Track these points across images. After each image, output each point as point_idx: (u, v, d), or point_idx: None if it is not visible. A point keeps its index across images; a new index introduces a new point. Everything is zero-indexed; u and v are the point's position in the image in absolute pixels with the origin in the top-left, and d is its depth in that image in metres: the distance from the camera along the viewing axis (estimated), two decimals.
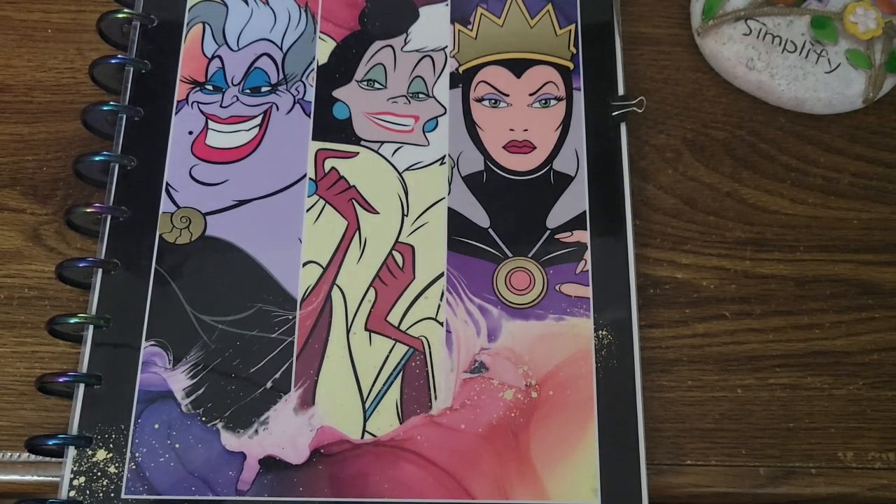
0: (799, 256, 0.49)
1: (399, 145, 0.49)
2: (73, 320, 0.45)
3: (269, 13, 0.52)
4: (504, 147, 0.49)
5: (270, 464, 0.43)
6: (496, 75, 0.51)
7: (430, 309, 0.46)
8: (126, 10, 0.51)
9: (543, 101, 0.50)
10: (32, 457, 0.44)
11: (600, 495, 0.43)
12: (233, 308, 0.46)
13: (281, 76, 0.50)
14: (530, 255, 0.47)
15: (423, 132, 0.49)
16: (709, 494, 0.45)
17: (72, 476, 0.43)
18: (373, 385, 0.45)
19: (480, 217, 0.48)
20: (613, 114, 0.50)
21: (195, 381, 0.44)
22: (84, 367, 0.44)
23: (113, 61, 0.49)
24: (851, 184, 0.51)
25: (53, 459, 0.44)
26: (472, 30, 0.52)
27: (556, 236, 0.47)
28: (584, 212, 0.48)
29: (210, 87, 0.50)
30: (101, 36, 0.50)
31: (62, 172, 0.50)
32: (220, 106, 0.50)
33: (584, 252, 0.47)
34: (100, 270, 0.46)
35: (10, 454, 0.45)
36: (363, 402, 0.44)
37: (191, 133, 0.49)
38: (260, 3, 0.52)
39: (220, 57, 0.51)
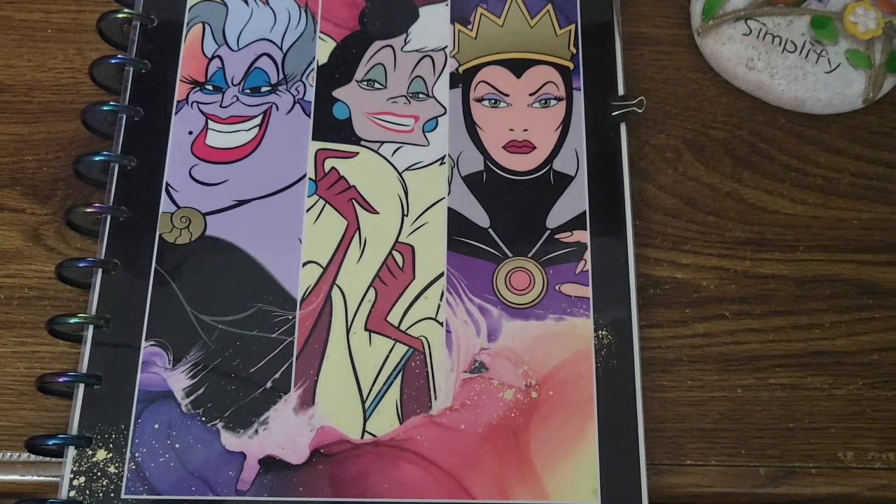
0: (799, 256, 0.49)
1: (399, 145, 0.49)
2: (73, 320, 0.45)
3: (269, 13, 0.52)
4: (504, 147, 0.49)
5: (270, 464, 0.43)
6: (496, 75, 0.51)
7: (429, 309, 0.46)
8: (126, 10, 0.51)
9: (543, 101, 0.50)
10: (32, 457, 0.44)
11: (600, 495, 0.43)
12: (233, 308, 0.46)
13: (281, 76, 0.50)
14: (530, 255, 0.47)
15: (423, 132, 0.49)
16: (709, 494, 0.45)
17: (72, 476, 0.43)
18: (373, 385, 0.45)
19: (480, 217, 0.48)
20: (613, 114, 0.50)
21: (195, 381, 0.44)
22: (84, 367, 0.44)
23: (113, 61, 0.49)
24: (851, 184, 0.51)
25: (53, 459, 0.44)
26: (472, 30, 0.52)
27: (556, 236, 0.47)
28: (584, 212, 0.48)
29: (210, 87, 0.50)
30: (101, 36, 0.50)
31: (62, 172, 0.50)
32: (220, 106, 0.50)
33: (584, 252, 0.47)
34: (100, 270, 0.46)
35: (10, 454, 0.45)
36: (363, 402, 0.44)
37: (191, 133, 0.49)
38: (260, 3, 0.52)
39: (220, 57, 0.51)
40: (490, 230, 0.47)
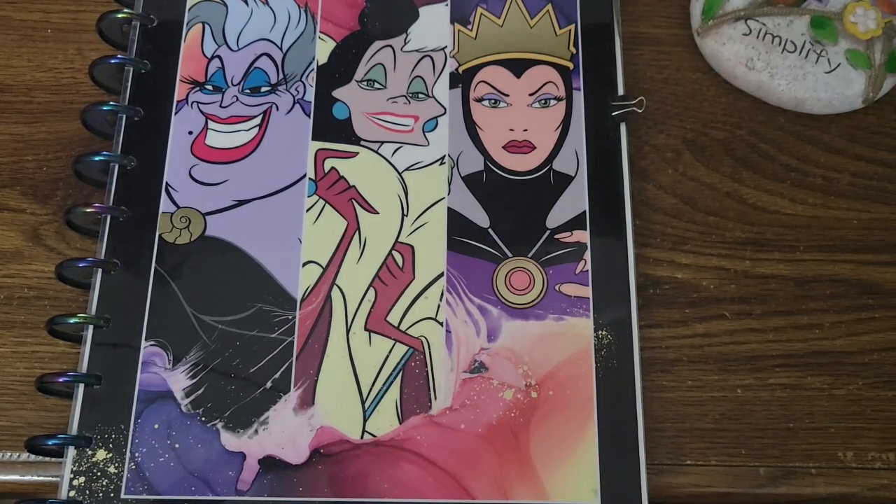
0: (799, 256, 0.49)
1: (399, 145, 0.49)
2: (72, 320, 0.45)
3: (268, 13, 0.52)
4: (504, 147, 0.49)
5: (270, 464, 0.43)
6: (496, 75, 0.51)
7: (429, 309, 0.46)
8: (126, 10, 0.51)
9: (543, 101, 0.50)
10: (32, 457, 0.44)
11: (600, 495, 0.43)
12: (233, 308, 0.46)
13: (281, 76, 0.50)
14: (530, 255, 0.47)
15: (423, 132, 0.49)
16: (709, 494, 0.45)
17: (72, 476, 0.43)
18: (372, 385, 0.45)
19: (480, 217, 0.48)
20: (613, 114, 0.50)
21: (195, 381, 0.44)
22: (84, 367, 0.44)
23: (113, 61, 0.49)
24: (851, 184, 0.51)
25: (53, 459, 0.44)
26: (471, 30, 0.52)
27: (556, 236, 0.47)
28: (584, 212, 0.48)
29: (210, 87, 0.50)
30: (101, 36, 0.50)
31: (62, 172, 0.50)
32: (220, 106, 0.50)
33: (584, 252, 0.47)
34: (100, 270, 0.46)
35: (10, 454, 0.45)
36: (363, 402, 0.44)
37: (190, 133, 0.49)
38: (260, 3, 0.52)
39: (219, 57, 0.51)
40: (490, 230, 0.47)
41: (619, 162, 0.49)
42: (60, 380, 0.44)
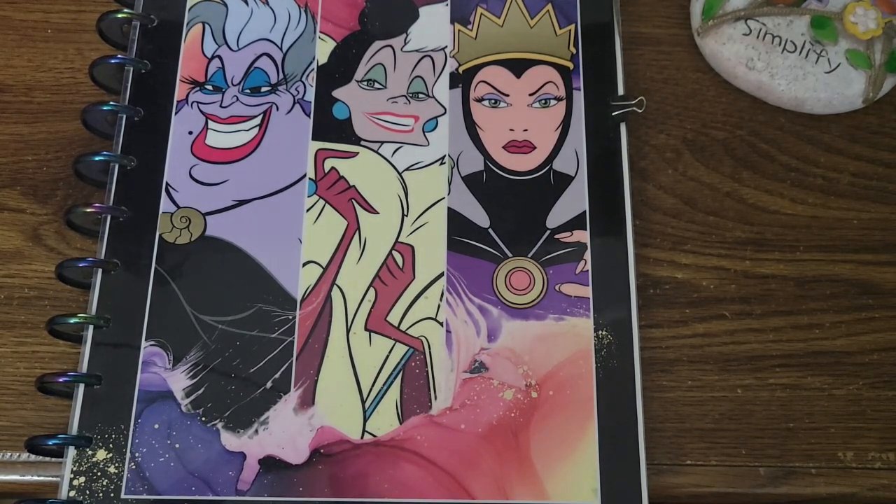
0: (799, 256, 0.49)
1: (399, 145, 0.49)
2: (73, 320, 0.45)
3: (268, 13, 0.52)
4: (504, 147, 0.49)
5: (270, 464, 0.43)
6: (496, 75, 0.51)
7: (429, 309, 0.46)
8: (126, 10, 0.51)
9: (543, 101, 0.50)
10: (32, 457, 0.44)
11: (600, 495, 0.43)
12: (233, 308, 0.46)
13: (281, 76, 0.50)
14: (530, 255, 0.47)
15: (423, 132, 0.49)
16: (709, 494, 0.45)
17: (72, 476, 0.43)
18: (373, 385, 0.45)
19: (480, 217, 0.48)
20: (613, 114, 0.50)
21: (195, 381, 0.44)
22: (84, 367, 0.44)
23: (113, 61, 0.49)
24: (851, 184, 0.51)
25: (53, 459, 0.44)
26: (471, 30, 0.52)
27: (556, 236, 0.47)
28: (584, 212, 0.48)
29: (210, 87, 0.50)
30: (101, 36, 0.50)
31: (62, 172, 0.50)
32: (220, 106, 0.50)
33: (584, 252, 0.47)
34: (100, 270, 0.46)
35: (10, 454, 0.45)
36: (363, 402, 0.44)
37: (191, 133, 0.49)
38: (260, 3, 0.52)
39: (219, 57, 0.51)
40: (490, 230, 0.47)
41: (619, 162, 0.49)
42: (60, 380, 0.44)
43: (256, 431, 0.44)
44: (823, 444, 0.46)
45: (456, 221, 0.48)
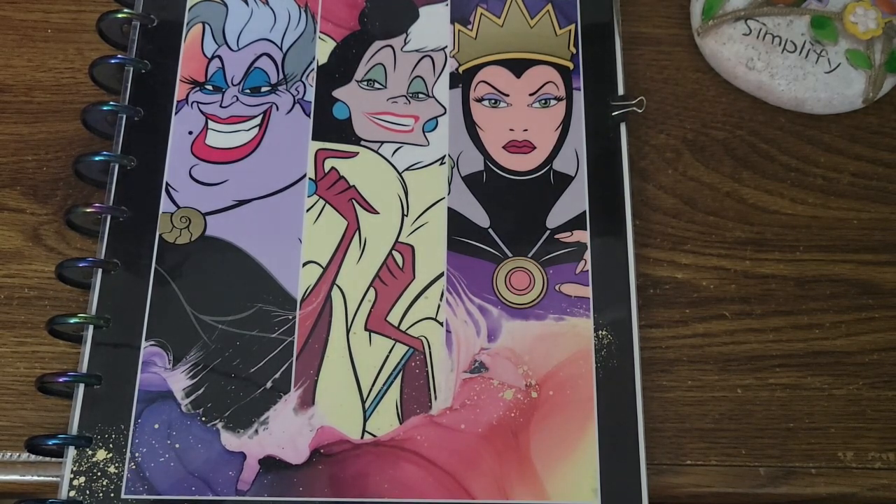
0: (799, 256, 0.49)
1: (399, 145, 0.49)
2: (73, 320, 0.45)
3: (268, 13, 0.52)
4: (504, 147, 0.49)
5: (270, 464, 0.43)
6: (496, 75, 0.51)
7: (429, 309, 0.46)
8: (126, 10, 0.51)
9: (543, 101, 0.50)
10: (32, 457, 0.44)
11: (600, 495, 0.43)
12: (233, 308, 0.46)
13: (281, 76, 0.50)
14: (530, 255, 0.47)
15: (423, 132, 0.49)
16: (709, 494, 0.45)
17: (72, 476, 0.43)
18: (373, 385, 0.45)
19: (480, 217, 0.48)
20: (613, 114, 0.50)
21: (195, 381, 0.44)
22: (84, 367, 0.44)
23: (113, 61, 0.49)
24: (851, 184, 0.51)
25: (53, 459, 0.44)
26: (471, 30, 0.52)
27: (556, 236, 0.47)
28: (584, 212, 0.48)
29: (210, 87, 0.50)
30: (101, 36, 0.50)
31: (62, 172, 0.50)
32: (220, 106, 0.50)
33: (584, 252, 0.47)
34: (100, 270, 0.46)
35: (10, 454, 0.45)
36: (363, 402, 0.44)
37: (191, 133, 0.49)
38: (260, 3, 0.52)
39: (219, 57, 0.51)
40: (490, 230, 0.47)
41: (619, 162, 0.49)
42: (60, 380, 0.44)
43: (256, 431, 0.44)
44: (823, 444, 0.46)
45: (456, 221, 0.48)
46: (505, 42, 0.51)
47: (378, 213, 0.48)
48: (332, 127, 0.49)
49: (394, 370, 0.45)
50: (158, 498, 0.42)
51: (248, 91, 0.50)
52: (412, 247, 0.47)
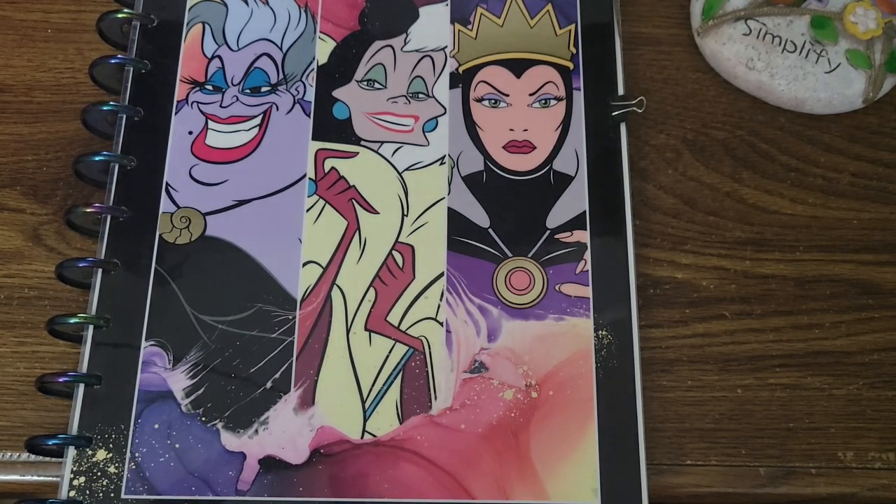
0: (799, 256, 0.49)
1: (399, 145, 0.49)
2: (73, 320, 0.45)
3: (268, 13, 0.52)
4: (504, 147, 0.49)
5: (270, 464, 0.43)
6: (496, 75, 0.51)
7: (429, 309, 0.46)
8: (126, 10, 0.51)
9: (543, 101, 0.50)
10: (32, 457, 0.44)
11: (600, 495, 0.43)
12: (233, 308, 0.46)
13: (281, 76, 0.50)
14: (530, 255, 0.47)
15: (423, 132, 0.49)
16: (709, 494, 0.45)
17: (72, 476, 0.43)
18: (373, 385, 0.45)
19: (480, 217, 0.48)
20: (613, 114, 0.50)
21: (195, 381, 0.44)
22: (84, 367, 0.44)
23: (113, 61, 0.49)
24: (851, 184, 0.51)
25: (53, 459, 0.44)
26: (471, 30, 0.52)
27: (556, 236, 0.47)
28: (584, 212, 0.48)
29: (210, 87, 0.50)
30: (101, 36, 0.50)
31: (62, 172, 0.50)
32: (220, 106, 0.50)
33: (584, 252, 0.47)
34: (100, 270, 0.46)
35: (10, 454, 0.45)
36: (363, 402, 0.44)
37: (191, 133, 0.49)
38: (260, 3, 0.52)
39: (219, 57, 0.51)
40: (490, 230, 0.47)
41: (619, 162, 0.49)
42: (60, 380, 0.44)
43: (256, 431, 0.44)
44: (823, 444, 0.46)
45: (456, 221, 0.48)
46: (505, 42, 0.51)
47: (378, 213, 0.48)
48: (332, 127, 0.49)
49: (394, 370, 0.45)
50: (158, 498, 0.42)
51: (248, 91, 0.50)
52: (412, 247, 0.47)
